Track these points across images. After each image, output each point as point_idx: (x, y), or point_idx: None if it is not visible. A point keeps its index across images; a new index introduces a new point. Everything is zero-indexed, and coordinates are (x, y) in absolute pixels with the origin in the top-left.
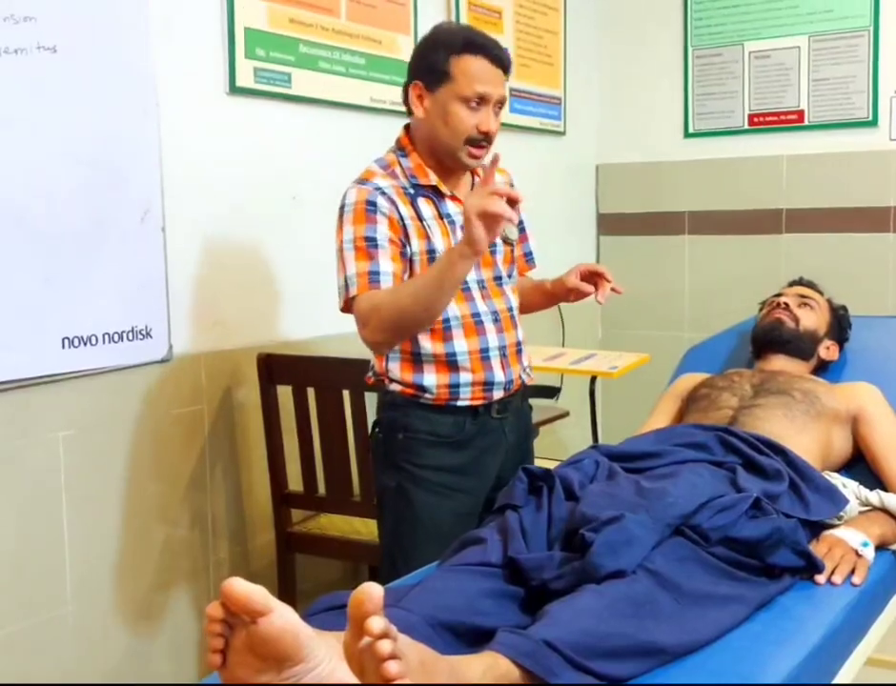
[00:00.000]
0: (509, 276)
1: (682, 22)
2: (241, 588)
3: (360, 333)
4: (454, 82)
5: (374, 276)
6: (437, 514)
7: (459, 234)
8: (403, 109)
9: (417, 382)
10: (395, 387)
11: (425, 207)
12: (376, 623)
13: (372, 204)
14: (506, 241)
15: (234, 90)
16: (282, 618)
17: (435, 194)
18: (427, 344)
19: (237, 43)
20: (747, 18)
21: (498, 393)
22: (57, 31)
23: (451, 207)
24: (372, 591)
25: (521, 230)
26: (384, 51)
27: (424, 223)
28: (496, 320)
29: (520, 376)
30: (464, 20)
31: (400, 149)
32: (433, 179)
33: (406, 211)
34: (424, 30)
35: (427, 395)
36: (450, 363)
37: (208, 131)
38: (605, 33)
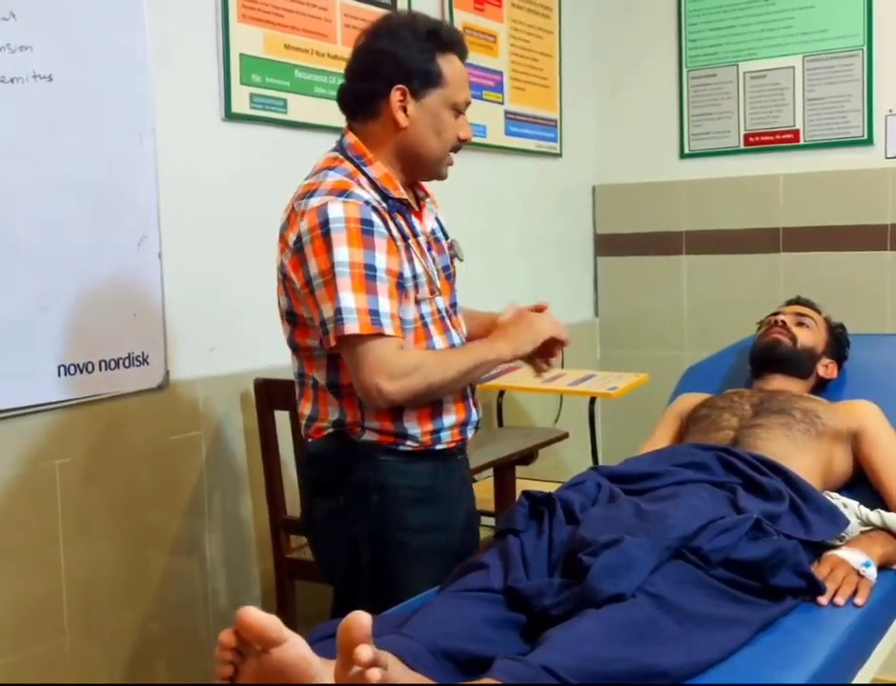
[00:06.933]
0: None
1: (676, 43)
2: (256, 617)
3: (375, 383)
4: (447, 86)
5: (375, 317)
6: (421, 586)
7: (428, 257)
8: None
9: (398, 431)
10: (368, 437)
11: (401, 224)
12: (365, 652)
13: (368, 223)
14: (455, 259)
15: (230, 116)
16: (295, 648)
17: (406, 209)
18: None
19: (233, 69)
20: (742, 39)
21: (470, 433)
22: (53, 60)
23: (416, 223)
24: (360, 619)
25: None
26: None
27: (408, 242)
28: None
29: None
30: None
31: (357, 156)
32: (403, 193)
33: (392, 229)
34: None
35: (409, 442)
36: (434, 403)
37: (204, 158)
38: (600, 55)
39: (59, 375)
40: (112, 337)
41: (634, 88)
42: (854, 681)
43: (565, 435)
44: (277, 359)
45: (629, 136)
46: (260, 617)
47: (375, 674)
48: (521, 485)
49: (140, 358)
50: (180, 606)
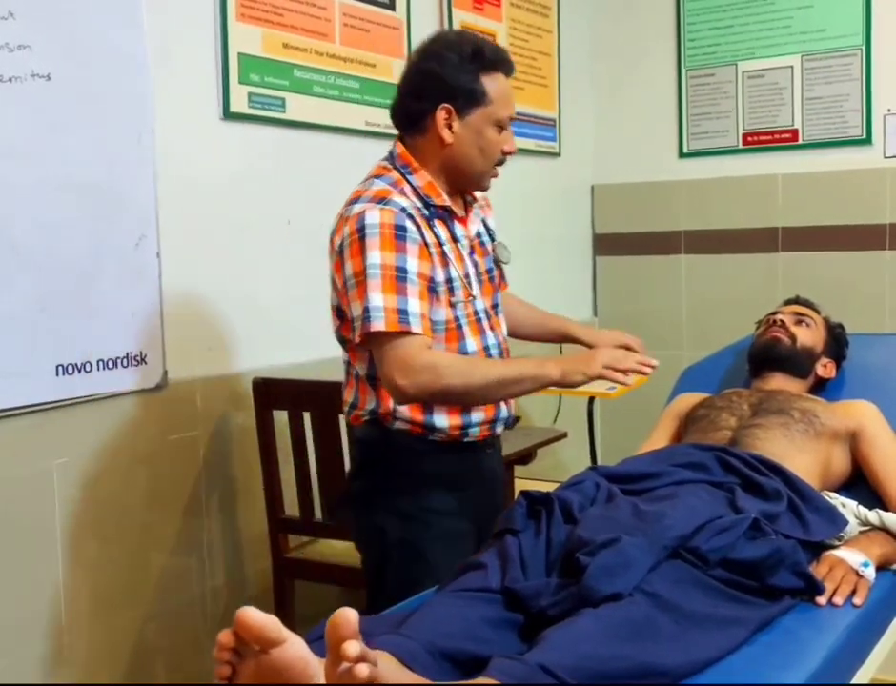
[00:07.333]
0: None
1: (675, 42)
2: (256, 617)
3: (392, 377)
4: (491, 104)
5: (403, 316)
6: (450, 567)
7: (468, 261)
8: (395, 132)
9: (427, 423)
10: (399, 425)
11: (441, 230)
12: (352, 648)
13: (401, 229)
14: (499, 263)
15: (229, 115)
16: (294, 648)
17: (448, 216)
18: None
19: (231, 69)
20: (740, 38)
21: (499, 429)
22: (53, 60)
23: (459, 229)
24: (347, 615)
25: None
26: (378, 75)
27: (444, 248)
28: (500, 353)
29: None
30: None
31: (403, 165)
32: (446, 200)
33: (427, 235)
34: None
35: (437, 434)
36: None
37: (203, 157)
38: (599, 55)
39: (57, 375)
40: (110, 337)
41: (633, 87)
42: (853, 681)
43: (564, 435)
44: (276, 359)
45: (628, 136)
46: (259, 618)
47: (362, 669)
48: (520, 485)
49: (138, 358)
50: (179, 606)
